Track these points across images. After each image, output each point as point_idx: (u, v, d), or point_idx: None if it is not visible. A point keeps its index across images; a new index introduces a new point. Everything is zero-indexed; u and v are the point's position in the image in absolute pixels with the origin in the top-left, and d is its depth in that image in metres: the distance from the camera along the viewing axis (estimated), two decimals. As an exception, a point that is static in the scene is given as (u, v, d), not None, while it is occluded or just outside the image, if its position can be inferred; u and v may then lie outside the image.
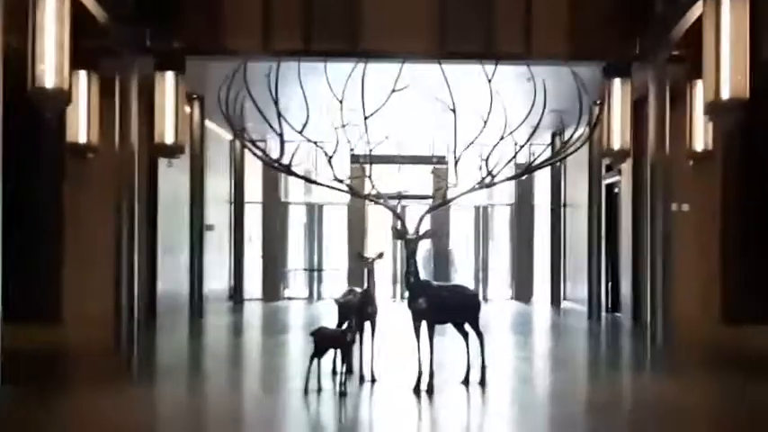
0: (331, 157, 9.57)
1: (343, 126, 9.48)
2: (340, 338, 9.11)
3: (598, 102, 13.52)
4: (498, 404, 9.17)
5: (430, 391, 9.07)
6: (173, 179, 16.90)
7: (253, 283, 23.11)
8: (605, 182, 18.29)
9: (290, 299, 23.95)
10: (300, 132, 9.48)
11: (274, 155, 9.95)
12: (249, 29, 13.50)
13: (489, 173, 9.45)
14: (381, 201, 9.84)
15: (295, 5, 13.44)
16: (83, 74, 13.23)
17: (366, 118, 9.41)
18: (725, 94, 9.08)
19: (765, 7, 11.06)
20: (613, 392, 9.98)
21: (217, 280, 20.14)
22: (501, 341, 14.05)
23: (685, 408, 8.83)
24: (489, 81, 9.35)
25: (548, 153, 19.18)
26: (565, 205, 22.23)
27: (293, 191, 24.80)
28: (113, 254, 12.79)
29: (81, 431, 7.85)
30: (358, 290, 10.01)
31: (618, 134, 13.58)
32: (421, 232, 9.29)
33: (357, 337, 9.49)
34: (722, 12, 9.09)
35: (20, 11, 9.58)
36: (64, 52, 9.47)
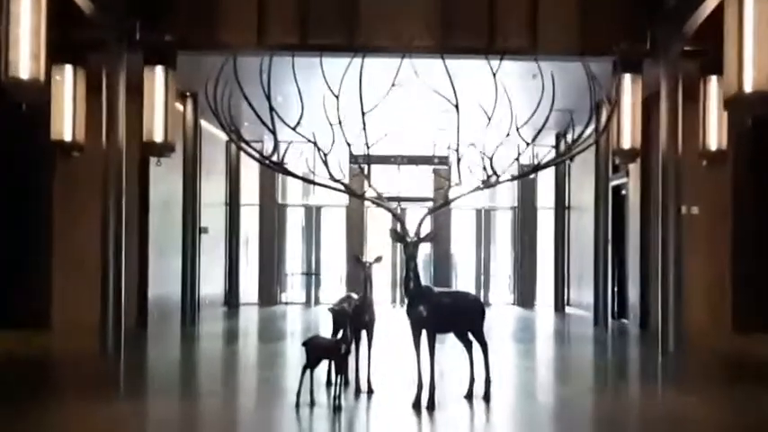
0: (327, 154, 9.04)
1: (340, 123, 8.93)
2: (333, 349, 8.58)
3: (606, 99, 12.98)
4: (503, 421, 8.58)
5: (431, 406, 8.47)
6: (165, 180, 16.41)
7: (249, 288, 22.63)
8: (612, 183, 17.65)
9: (286, 303, 23.54)
10: (294, 129, 8.94)
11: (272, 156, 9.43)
12: (244, 22, 13.04)
13: (494, 172, 8.94)
14: (381, 202, 9.31)
15: (291, -2, 12.98)
16: (68, 68, 12.76)
17: (364, 114, 8.88)
18: (748, 88, 8.50)
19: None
20: (628, 408, 9.36)
21: (211, 284, 19.67)
22: (504, 349, 13.46)
23: (709, 424, 8.29)
24: (494, 75, 8.83)
25: (552, 153, 18.61)
26: (569, 207, 21.74)
27: (291, 193, 24.40)
28: (101, 258, 12.33)
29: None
30: (355, 296, 9.53)
31: (628, 133, 12.98)
32: (421, 235, 8.73)
33: (352, 347, 8.90)
34: (745, 1, 8.52)
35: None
36: (40, 40, 8.76)
